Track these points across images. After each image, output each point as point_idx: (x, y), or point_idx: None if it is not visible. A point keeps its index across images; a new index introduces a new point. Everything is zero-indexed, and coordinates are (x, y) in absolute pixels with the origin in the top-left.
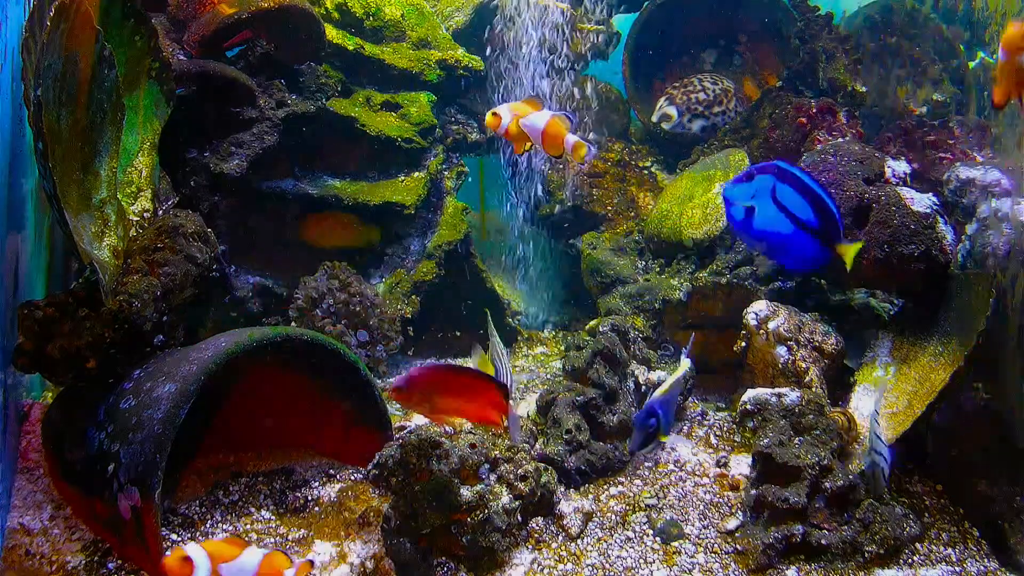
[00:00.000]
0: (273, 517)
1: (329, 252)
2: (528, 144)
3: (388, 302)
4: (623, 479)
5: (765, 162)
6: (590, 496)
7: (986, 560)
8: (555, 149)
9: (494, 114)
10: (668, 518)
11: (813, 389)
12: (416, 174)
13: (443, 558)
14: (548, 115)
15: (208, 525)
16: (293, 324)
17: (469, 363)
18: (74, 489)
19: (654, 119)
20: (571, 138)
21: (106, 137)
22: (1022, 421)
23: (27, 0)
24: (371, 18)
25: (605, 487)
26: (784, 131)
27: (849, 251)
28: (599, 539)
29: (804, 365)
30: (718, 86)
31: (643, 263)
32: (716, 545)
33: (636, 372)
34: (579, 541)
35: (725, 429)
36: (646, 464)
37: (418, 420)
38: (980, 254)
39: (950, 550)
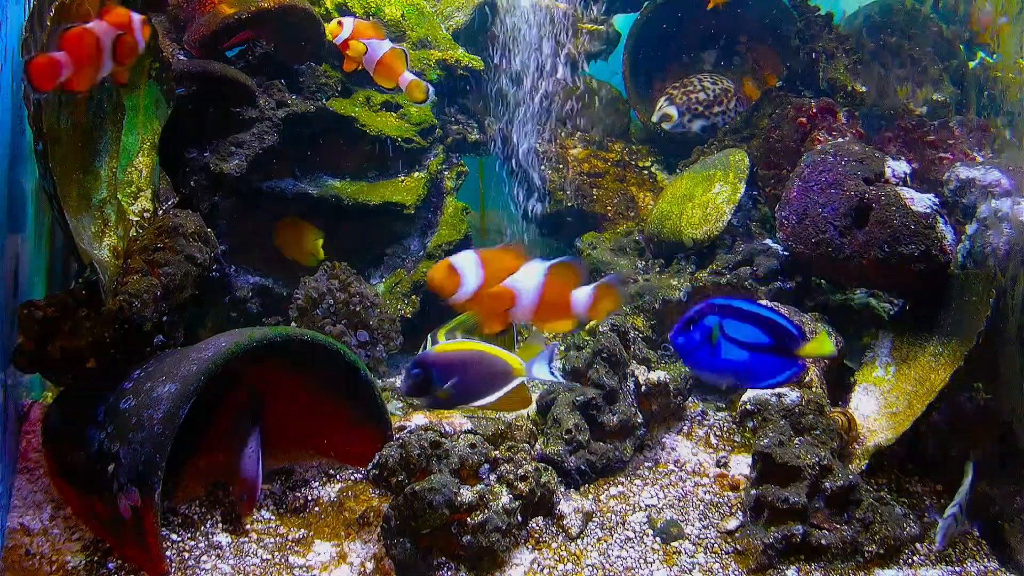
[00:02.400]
0: (273, 517)
1: (338, 249)
2: (358, 65)
3: (388, 302)
4: (623, 479)
5: (700, 304)
6: (590, 496)
7: (986, 560)
8: (388, 81)
9: (339, 23)
10: (668, 518)
11: (813, 389)
12: (416, 174)
13: (443, 558)
14: (389, 45)
15: (208, 525)
16: (293, 324)
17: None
18: (74, 489)
19: (654, 119)
20: (408, 75)
21: (106, 137)
22: (1022, 421)
23: (27, 0)
24: (371, 18)
25: (605, 487)
26: (784, 131)
27: (814, 347)
28: (599, 539)
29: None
30: (718, 86)
31: (643, 263)
32: (716, 545)
33: (636, 372)
34: (579, 541)
35: (725, 429)
36: (646, 464)
37: (418, 420)
38: (980, 254)
39: (950, 550)
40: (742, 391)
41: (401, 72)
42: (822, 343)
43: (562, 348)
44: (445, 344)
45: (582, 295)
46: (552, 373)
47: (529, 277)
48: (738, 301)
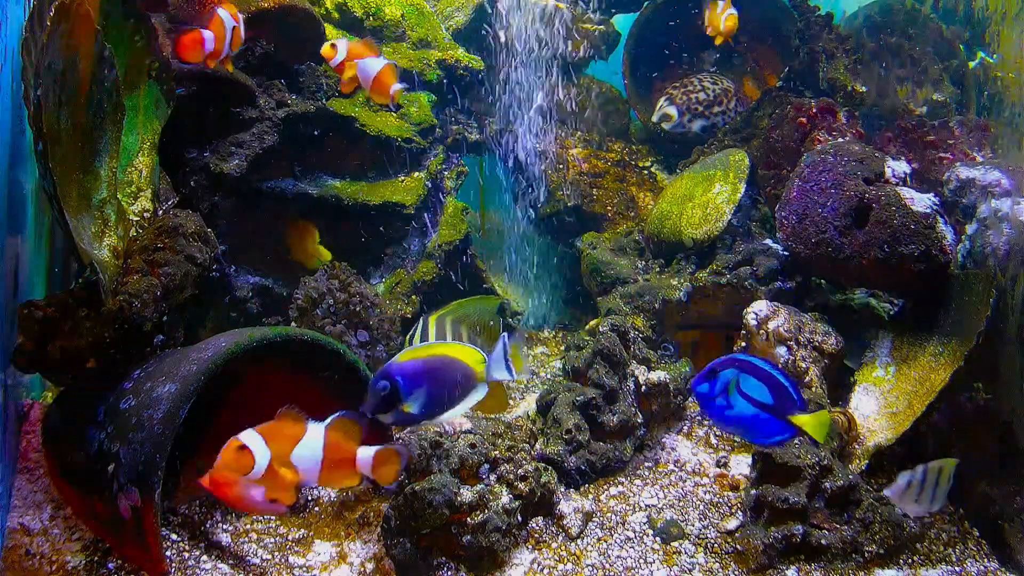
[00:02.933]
0: (273, 517)
1: (339, 249)
2: (357, 85)
3: (388, 302)
4: (623, 479)
5: (723, 358)
6: (590, 496)
7: (986, 560)
8: (381, 97)
9: (332, 46)
10: (668, 518)
11: (813, 389)
12: (416, 174)
13: (443, 558)
14: (382, 63)
15: (208, 525)
16: (293, 324)
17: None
18: (74, 489)
19: (654, 119)
20: (396, 86)
21: (106, 137)
22: (1022, 421)
23: (27, 0)
24: (371, 18)
25: (605, 487)
26: (784, 131)
27: (806, 421)
28: (599, 539)
29: (804, 365)
30: (718, 86)
31: (643, 263)
32: (716, 545)
33: (636, 372)
34: (579, 541)
35: None
36: (646, 464)
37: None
38: (980, 254)
39: (950, 550)
40: None
41: (390, 87)
42: (818, 427)
43: (562, 348)
44: (408, 351)
45: (365, 456)
46: (508, 369)
47: (309, 446)
48: (757, 360)
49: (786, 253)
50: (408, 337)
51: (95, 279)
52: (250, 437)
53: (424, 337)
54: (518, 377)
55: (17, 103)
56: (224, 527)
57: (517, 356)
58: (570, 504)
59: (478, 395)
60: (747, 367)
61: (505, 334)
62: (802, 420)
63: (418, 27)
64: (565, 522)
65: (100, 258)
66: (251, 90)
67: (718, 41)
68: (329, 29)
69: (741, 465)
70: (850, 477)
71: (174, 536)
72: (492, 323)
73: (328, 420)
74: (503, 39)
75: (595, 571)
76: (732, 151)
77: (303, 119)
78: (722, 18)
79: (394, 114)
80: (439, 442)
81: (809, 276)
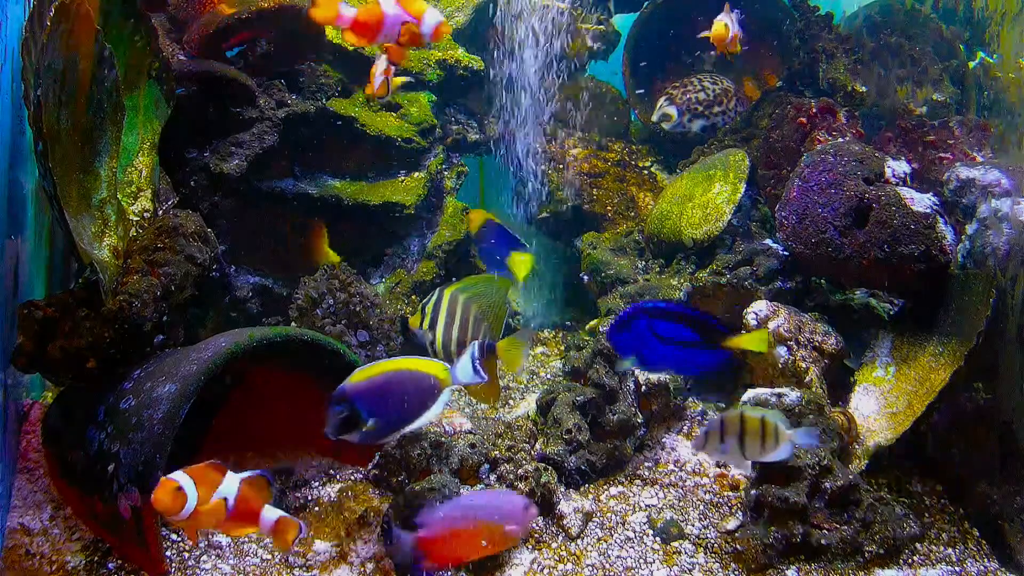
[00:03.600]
0: None
1: (339, 249)
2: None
3: (388, 302)
4: (623, 479)
5: (627, 309)
6: (590, 496)
7: (986, 560)
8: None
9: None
10: (668, 518)
11: (813, 389)
12: (416, 174)
13: None
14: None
15: None
16: (293, 324)
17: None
18: (74, 489)
19: (654, 119)
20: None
21: (106, 137)
22: (1022, 421)
23: (27, 0)
24: None
25: (605, 487)
26: (784, 131)
27: (741, 341)
28: (599, 539)
29: (804, 365)
30: (718, 86)
31: (643, 263)
32: (716, 545)
33: (636, 372)
34: (579, 541)
35: None
36: (646, 464)
37: (418, 420)
38: (980, 254)
39: (950, 550)
40: (741, 391)
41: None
42: (757, 341)
43: (563, 348)
44: (363, 369)
45: (268, 516)
46: (476, 370)
47: (223, 494)
48: (662, 303)
49: (786, 253)
50: (422, 305)
51: (95, 279)
52: (183, 479)
53: (436, 310)
54: (485, 379)
55: (17, 103)
56: None
57: (517, 353)
58: (570, 504)
59: (444, 399)
60: (656, 313)
61: (475, 343)
62: (739, 342)
63: None
64: (565, 522)
65: (100, 258)
66: (251, 90)
67: (727, 56)
68: (329, 29)
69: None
70: (850, 477)
71: (174, 536)
72: (499, 307)
73: (245, 474)
74: (504, 39)
75: (595, 571)
76: (732, 151)
77: (303, 119)
78: (728, 39)
79: (394, 114)
80: (439, 442)
81: (809, 276)
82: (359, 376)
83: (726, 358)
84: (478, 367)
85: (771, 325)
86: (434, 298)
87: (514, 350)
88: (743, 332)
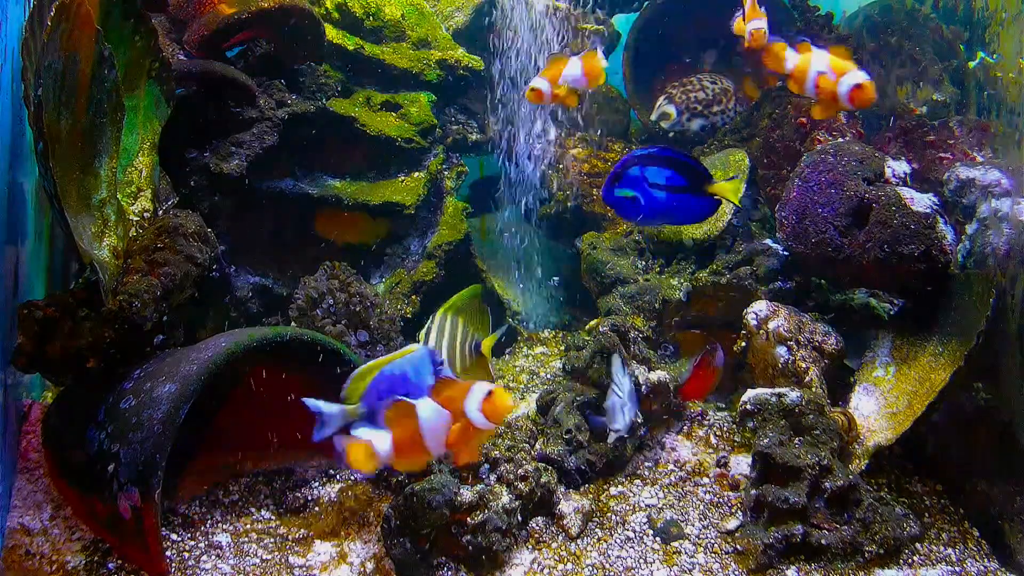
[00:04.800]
0: (273, 517)
1: (339, 249)
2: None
3: (388, 302)
4: (623, 479)
5: (625, 156)
6: (590, 496)
7: (986, 560)
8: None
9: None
10: (668, 518)
11: (813, 389)
12: (416, 174)
13: (443, 558)
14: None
15: (208, 525)
16: (293, 324)
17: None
18: (74, 489)
19: (653, 118)
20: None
21: (106, 137)
22: (1022, 421)
23: (27, 0)
24: (371, 18)
25: (605, 487)
26: (784, 131)
27: (725, 188)
28: (599, 539)
29: (804, 365)
30: (717, 85)
31: (643, 263)
32: (716, 545)
33: (636, 372)
34: (579, 541)
35: (725, 429)
36: (646, 464)
37: None
38: (980, 254)
39: (950, 550)
40: (741, 391)
41: (600, 67)
42: (733, 191)
43: (562, 348)
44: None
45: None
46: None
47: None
48: (652, 148)
49: (786, 253)
50: (424, 332)
51: (95, 279)
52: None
53: (428, 330)
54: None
55: (17, 103)
56: (224, 527)
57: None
58: (570, 504)
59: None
60: (647, 159)
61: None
62: (721, 188)
63: (418, 27)
64: (565, 522)
65: (100, 258)
66: (251, 90)
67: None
68: (329, 29)
69: (741, 465)
70: (850, 477)
71: (174, 536)
72: (479, 310)
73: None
74: (504, 39)
75: (595, 571)
76: (732, 151)
77: (303, 119)
78: (749, 28)
79: (394, 114)
80: None
81: (809, 276)
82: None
83: (714, 204)
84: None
85: (771, 325)
86: (425, 330)
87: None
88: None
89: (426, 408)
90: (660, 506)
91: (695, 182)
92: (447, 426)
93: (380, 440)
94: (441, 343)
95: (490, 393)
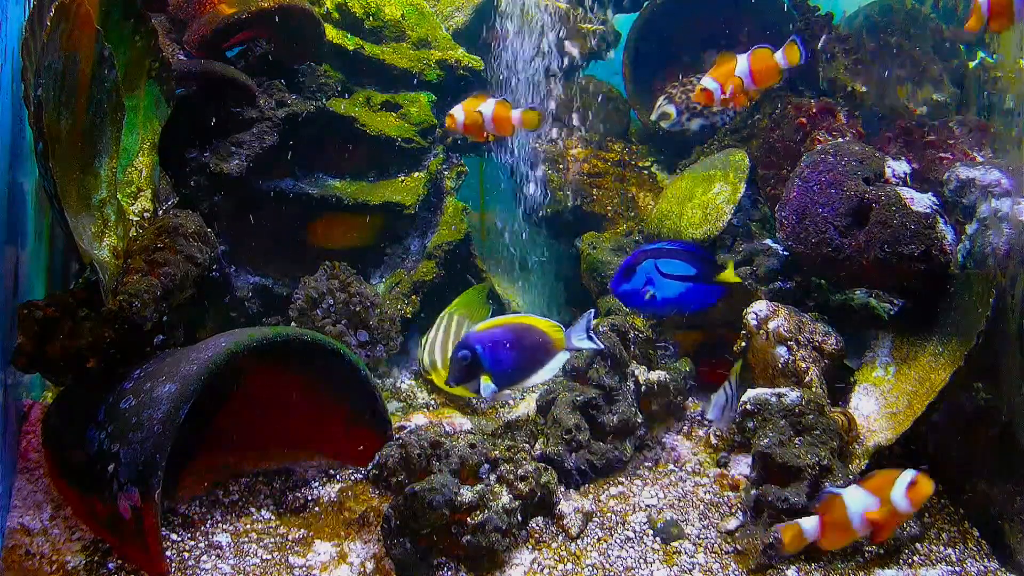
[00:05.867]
0: (273, 517)
1: (333, 252)
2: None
3: (388, 302)
4: (623, 479)
5: (635, 251)
6: (590, 496)
7: (986, 560)
8: (505, 130)
9: (451, 117)
10: (668, 518)
11: (813, 389)
12: (416, 174)
13: (443, 558)
14: (492, 102)
15: (208, 525)
16: (293, 324)
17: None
18: (74, 489)
19: (652, 118)
20: (516, 114)
21: (106, 137)
22: (1022, 421)
23: (27, 0)
24: (371, 18)
25: (605, 487)
26: (784, 131)
27: (728, 275)
28: (599, 539)
29: (804, 365)
30: None
31: None
32: (716, 545)
33: (636, 372)
34: (579, 541)
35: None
36: (646, 464)
37: (418, 420)
38: (980, 254)
39: (950, 550)
40: (741, 393)
41: (509, 117)
42: (729, 272)
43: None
44: (486, 322)
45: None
46: (591, 338)
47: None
48: (663, 243)
49: (786, 253)
50: (426, 337)
51: (95, 279)
52: None
53: (436, 331)
54: (599, 346)
55: (17, 103)
56: (224, 527)
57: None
58: (570, 504)
59: (559, 361)
60: (658, 253)
61: (591, 311)
62: (727, 276)
63: (418, 27)
64: (565, 522)
65: (100, 258)
66: (251, 90)
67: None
68: (329, 29)
69: (741, 465)
70: (850, 477)
71: (174, 536)
72: (480, 307)
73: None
74: (504, 39)
75: (595, 571)
76: (732, 151)
77: (303, 119)
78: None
79: (394, 114)
80: (439, 442)
81: (809, 276)
82: (483, 327)
83: (723, 291)
84: (592, 335)
85: (771, 325)
86: (434, 325)
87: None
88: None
89: (855, 498)
90: (660, 506)
91: (705, 270)
92: (871, 509)
93: (809, 524)
94: (448, 342)
95: (915, 481)
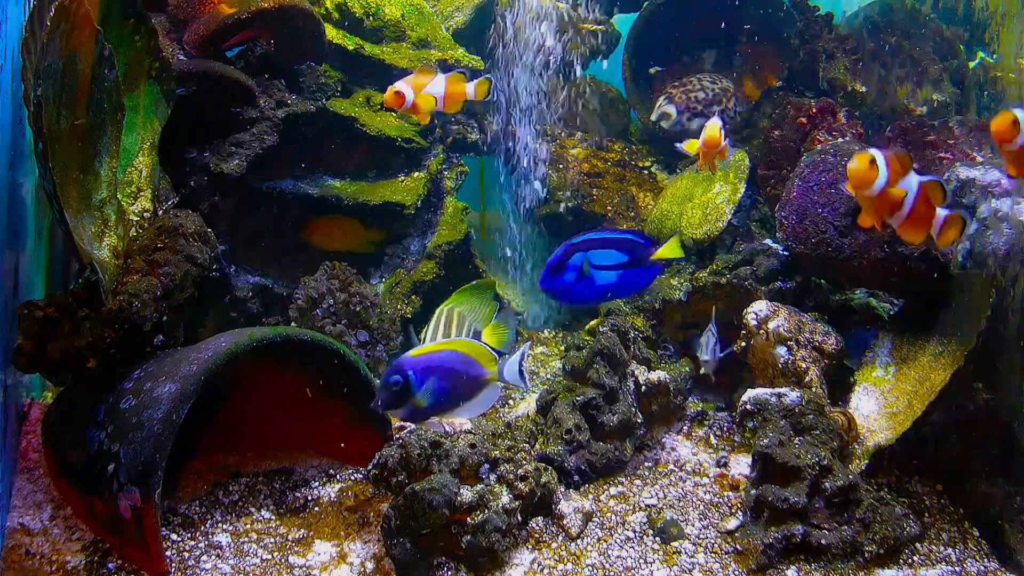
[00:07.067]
0: (273, 517)
1: (332, 254)
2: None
3: (388, 302)
4: (623, 479)
5: (563, 244)
6: (590, 496)
7: (986, 560)
8: (456, 107)
9: (396, 93)
10: (668, 518)
11: (813, 389)
12: (416, 174)
13: (443, 558)
14: (442, 78)
15: (208, 525)
16: (293, 324)
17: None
18: (74, 489)
19: (652, 118)
20: (470, 88)
21: (106, 137)
22: (1022, 421)
23: (27, 0)
24: (371, 18)
25: (605, 487)
26: (784, 131)
27: (664, 250)
28: (599, 539)
29: (804, 365)
30: (717, 85)
31: None
32: (716, 545)
33: (636, 372)
34: (579, 541)
35: (725, 429)
36: (646, 464)
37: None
38: (980, 254)
39: (950, 550)
40: (741, 391)
41: (463, 93)
42: (674, 248)
43: (562, 348)
44: (422, 347)
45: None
46: (521, 374)
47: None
48: (592, 233)
49: (786, 253)
50: (424, 328)
51: (95, 279)
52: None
53: (435, 326)
54: (528, 388)
55: (17, 103)
56: (224, 527)
57: (502, 331)
58: (570, 504)
59: (492, 396)
60: (589, 243)
61: (527, 344)
62: (661, 253)
63: (418, 27)
64: (565, 522)
65: (100, 258)
66: (251, 90)
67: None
68: (329, 29)
69: (741, 465)
70: (850, 477)
71: (174, 536)
72: (486, 306)
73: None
74: (503, 39)
75: (595, 571)
76: (732, 151)
77: (303, 119)
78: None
79: (394, 114)
80: (439, 442)
81: (809, 276)
82: (418, 352)
83: (659, 270)
84: (523, 371)
85: (771, 325)
86: (432, 318)
87: (500, 331)
88: (663, 245)
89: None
90: (660, 506)
91: (638, 254)
92: None
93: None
94: (449, 332)
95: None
